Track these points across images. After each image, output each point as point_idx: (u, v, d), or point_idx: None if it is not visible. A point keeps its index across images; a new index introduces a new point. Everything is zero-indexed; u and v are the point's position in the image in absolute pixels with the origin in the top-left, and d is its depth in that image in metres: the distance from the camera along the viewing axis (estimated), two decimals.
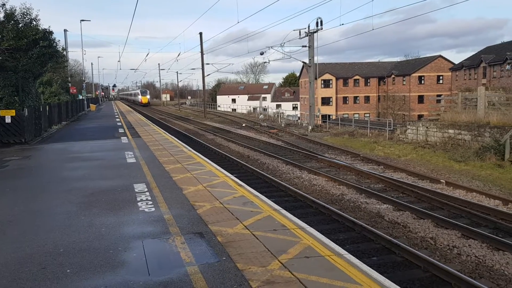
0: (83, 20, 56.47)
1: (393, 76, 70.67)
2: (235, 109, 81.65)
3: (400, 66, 74.04)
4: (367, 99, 73.78)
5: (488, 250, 8.54)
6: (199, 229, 7.35)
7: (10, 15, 23.39)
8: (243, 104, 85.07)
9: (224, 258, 6.05)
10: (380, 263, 8.05)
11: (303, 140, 28.62)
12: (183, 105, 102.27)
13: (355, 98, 73.68)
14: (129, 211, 8.46)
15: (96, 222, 7.82)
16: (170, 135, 24.14)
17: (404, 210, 11.22)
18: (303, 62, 39.78)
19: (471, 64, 55.79)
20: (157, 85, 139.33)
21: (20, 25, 23.71)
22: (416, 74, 66.74)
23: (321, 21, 32.15)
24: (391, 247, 8.75)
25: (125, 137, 22.90)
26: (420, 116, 51.83)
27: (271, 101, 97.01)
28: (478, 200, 12.48)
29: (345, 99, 73.59)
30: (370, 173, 16.08)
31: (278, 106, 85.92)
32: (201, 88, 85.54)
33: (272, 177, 15.68)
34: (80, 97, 60.46)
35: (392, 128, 30.18)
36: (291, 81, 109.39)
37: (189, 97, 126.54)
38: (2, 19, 23.34)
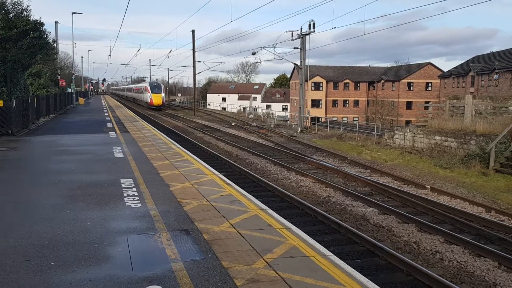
0: (74, 13, 55.96)
1: (382, 81, 71.20)
2: (225, 108, 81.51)
3: (390, 71, 74.62)
4: (356, 103, 74.23)
5: (470, 256, 8.67)
6: (185, 226, 7.36)
7: (0, 5, 23.09)
8: (233, 103, 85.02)
9: (209, 255, 6.07)
10: (364, 266, 8.13)
11: (291, 141, 28.72)
12: (173, 102, 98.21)
13: (345, 101, 74.07)
14: (115, 206, 8.44)
15: (82, 216, 7.79)
16: (158, 132, 24.06)
17: (389, 214, 11.34)
18: (294, 64, 39.91)
19: (459, 72, 56.45)
20: (148, 81, 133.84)
21: (11, 15, 23.42)
22: (405, 80, 67.33)
23: (314, 24, 32.30)
24: (375, 250, 8.85)
25: (113, 132, 22.76)
26: (408, 122, 52.29)
27: (261, 102, 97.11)
28: (462, 206, 12.66)
29: (334, 102, 73.95)
30: (357, 176, 16.21)
31: (268, 106, 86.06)
32: (191, 85, 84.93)
33: (260, 177, 15.72)
34: (69, 90, 59.89)
35: (380, 133, 30.43)
36: (282, 82, 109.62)
37: (179, 94, 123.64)
38: None
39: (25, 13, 23.90)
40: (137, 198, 9.09)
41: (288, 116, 64.56)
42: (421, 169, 18.91)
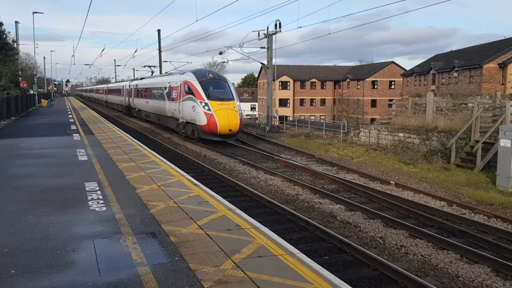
0: (35, 12, 54.19)
1: (348, 80, 72.40)
2: None
3: (354, 70, 75.95)
4: (323, 101, 75.17)
5: (433, 250, 8.91)
6: (152, 229, 7.26)
7: None
8: None
9: (176, 258, 6.01)
10: (332, 262, 8.23)
11: (260, 141, 28.78)
12: None
13: (312, 100, 74.89)
14: (79, 210, 8.23)
15: (44, 221, 7.56)
16: (124, 133, 23.64)
17: (355, 211, 11.52)
18: (261, 63, 40.01)
19: (421, 70, 58.02)
20: (113, 81, 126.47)
21: None
22: (370, 79, 68.69)
23: (280, 24, 32.46)
24: (342, 246, 8.97)
25: (77, 134, 22.21)
26: (372, 120, 53.33)
27: None
28: (425, 201, 13.00)
29: (302, 101, 74.65)
30: (325, 174, 16.40)
31: None
32: None
33: (229, 177, 15.68)
34: (31, 92, 58.01)
35: (346, 131, 30.89)
36: (249, 82, 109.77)
37: None
38: None
39: None
40: (101, 201, 8.89)
41: (257, 115, 64.71)
42: (386, 165, 19.31)
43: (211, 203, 9.09)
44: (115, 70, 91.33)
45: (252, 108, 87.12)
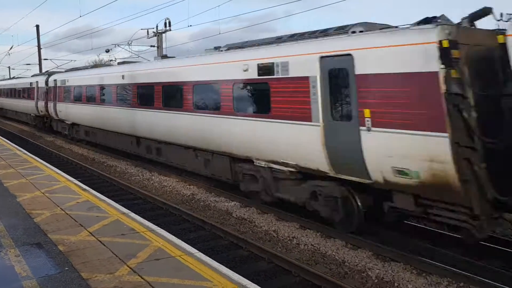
0: None
1: None
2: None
3: None
4: None
5: (321, 239, 9.51)
6: (37, 239, 6.76)
7: None
8: None
9: (66, 268, 5.69)
10: (229, 259, 8.39)
11: None
12: None
13: None
14: None
15: None
16: (0, 137, 21.51)
17: (250, 206, 11.84)
18: None
19: None
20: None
21: None
22: None
23: (170, 22, 31.97)
24: (238, 242, 9.19)
25: None
26: None
27: None
28: None
29: None
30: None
31: None
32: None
33: (120, 180, 15.14)
34: None
35: None
36: None
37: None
38: None
39: None
40: None
41: None
42: None
43: (102, 208, 8.72)
44: None
45: None
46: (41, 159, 15.72)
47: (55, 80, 26.15)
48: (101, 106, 19.49)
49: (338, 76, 8.53)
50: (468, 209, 6.98)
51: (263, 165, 10.62)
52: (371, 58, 7.84)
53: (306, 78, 9.05)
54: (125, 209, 8.88)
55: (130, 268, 5.72)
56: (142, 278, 5.43)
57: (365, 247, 8.83)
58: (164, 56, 19.29)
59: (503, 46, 7.07)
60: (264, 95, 10.24)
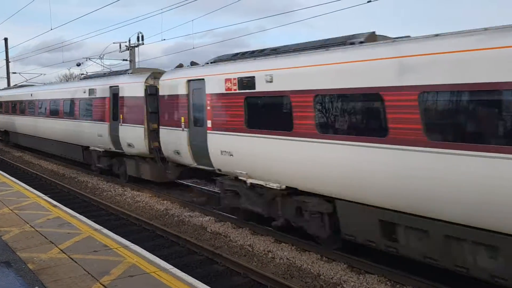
0: None
1: None
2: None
3: None
4: None
5: (297, 252, 9.53)
6: (5, 257, 6.54)
7: None
8: None
9: (36, 287, 5.51)
10: (205, 274, 8.29)
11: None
12: None
13: None
14: None
15: None
16: None
17: (225, 221, 11.78)
18: None
19: None
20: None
21: None
22: None
23: (142, 36, 31.84)
24: (213, 258, 9.11)
25: None
26: None
27: None
28: None
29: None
30: (194, 186, 16.41)
31: None
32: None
33: (92, 196, 14.83)
34: None
35: None
36: None
37: None
38: None
39: None
40: None
41: None
42: None
43: (74, 224, 8.53)
44: None
45: None
46: (8, 174, 15.28)
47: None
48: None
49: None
50: None
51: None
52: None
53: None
54: (98, 225, 8.70)
55: (103, 285, 5.59)
56: None
57: (340, 259, 8.89)
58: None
59: None
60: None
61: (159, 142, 14.16)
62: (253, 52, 11.13)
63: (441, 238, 6.87)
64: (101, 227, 8.50)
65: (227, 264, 8.75)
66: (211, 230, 11.15)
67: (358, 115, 8.13)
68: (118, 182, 17.14)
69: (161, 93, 14.08)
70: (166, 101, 13.74)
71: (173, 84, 13.31)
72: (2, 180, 13.42)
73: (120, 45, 34.18)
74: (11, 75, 46.85)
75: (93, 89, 17.65)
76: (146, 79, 14.97)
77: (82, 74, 38.99)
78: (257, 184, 10.14)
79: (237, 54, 11.73)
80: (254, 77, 9.90)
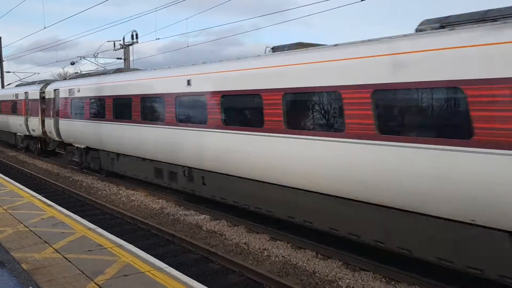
0: None
1: None
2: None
3: None
4: None
5: (292, 250, 9.53)
6: None
7: None
8: None
9: (30, 287, 5.48)
10: (199, 273, 8.28)
11: None
12: None
13: None
14: None
15: None
16: None
17: (220, 219, 11.76)
18: None
19: None
20: None
21: None
22: None
23: (137, 34, 31.72)
24: (209, 256, 9.10)
25: None
26: None
27: None
28: None
29: None
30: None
31: None
32: None
33: (86, 195, 14.79)
34: None
35: None
36: None
37: None
38: None
39: None
40: None
41: None
42: None
43: (68, 224, 8.49)
44: None
45: None
46: (3, 174, 15.20)
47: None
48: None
49: None
50: None
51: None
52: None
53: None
54: (92, 224, 8.67)
55: (98, 285, 5.57)
56: None
57: (335, 257, 8.90)
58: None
59: None
60: None
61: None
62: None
63: None
64: (96, 227, 8.47)
65: (223, 263, 8.74)
66: (206, 228, 11.14)
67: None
68: (113, 181, 17.10)
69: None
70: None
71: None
72: None
73: (114, 43, 34.02)
74: (5, 74, 46.55)
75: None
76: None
77: (76, 73, 38.72)
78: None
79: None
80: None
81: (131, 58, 31.89)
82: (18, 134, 26.35)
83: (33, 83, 25.80)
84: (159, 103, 13.09)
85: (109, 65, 31.41)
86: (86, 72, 21.57)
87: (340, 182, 8.02)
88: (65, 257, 6.55)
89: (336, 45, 8.42)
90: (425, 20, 7.69)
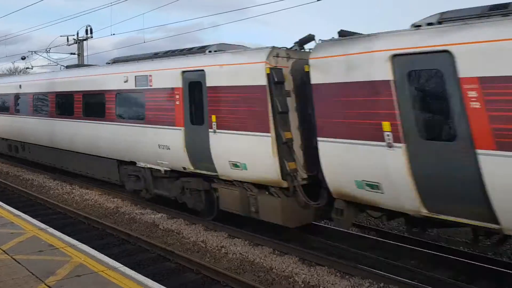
0: None
1: None
2: None
3: None
4: None
5: (250, 247, 9.58)
6: None
7: None
8: None
9: None
10: (156, 272, 8.18)
11: None
12: None
13: None
14: None
15: None
16: None
17: (177, 218, 11.66)
18: None
19: None
20: None
21: None
22: None
23: (91, 29, 30.86)
24: (165, 255, 9.01)
25: None
26: None
27: None
28: None
29: None
30: None
31: None
32: None
33: (37, 195, 14.29)
34: None
35: None
36: None
37: None
38: None
39: None
40: None
41: None
42: None
43: (17, 224, 8.18)
44: None
45: None
46: None
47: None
48: None
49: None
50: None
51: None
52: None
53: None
54: (43, 224, 8.40)
55: (49, 286, 5.40)
56: None
57: (292, 252, 9.03)
58: None
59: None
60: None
61: None
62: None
63: None
64: (47, 226, 8.21)
65: (180, 261, 8.68)
66: (163, 227, 11.01)
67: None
68: (66, 179, 16.60)
69: None
70: None
71: None
72: None
73: (67, 38, 32.98)
74: None
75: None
76: None
77: (27, 68, 36.98)
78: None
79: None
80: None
81: (85, 54, 31.02)
82: None
83: None
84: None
85: (62, 60, 30.38)
86: None
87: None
88: (14, 259, 6.31)
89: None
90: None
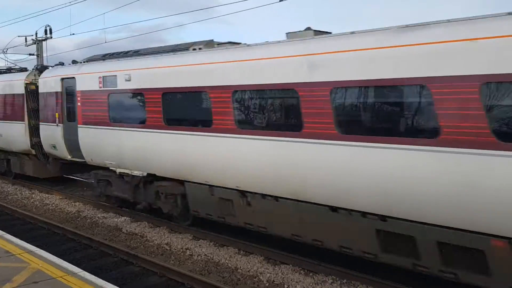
0: None
1: None
2: None
3: None
4: None
5: (215, 248, 9.56)
6: None
7: None
8: None
9: None
10: (119, 276, 8.04)
11: None
12: None
13: None
14: None
15: None
16: None
17: (141, 221, 11.50)
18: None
19: None
20: None
21: None
22: None
23: (51, 29, 30.01)
24: (129, 259, 8.87)
25: None
26: None
27: None
28: None
29: None
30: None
31: None
32: None
33: None
34: None
35: None
36: None
37: None
38: None
39: None
40: None
41: None
42: None
43: None
44: None
45: None
46: None
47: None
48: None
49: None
50: None
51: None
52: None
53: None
54: (0, 231, 8.11)
55: None
56: None
57: (257, 252, 9.07)
58: None
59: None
60: None
61: None
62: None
63: None
64: (4, 233, 7.95)
65: (143, 265, 8.56)
66: (126, 230, 10.83)
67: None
68: (25, 184, 16.08)
69: None
70: None
71: None
72: None
73: (25, 38, 31.95)
74: None
75: None
76: None
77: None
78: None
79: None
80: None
81: (44, 54, 30.11)
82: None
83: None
84: None
85: (21, 61, 29.41)
86: None
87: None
88: None
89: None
90: None
